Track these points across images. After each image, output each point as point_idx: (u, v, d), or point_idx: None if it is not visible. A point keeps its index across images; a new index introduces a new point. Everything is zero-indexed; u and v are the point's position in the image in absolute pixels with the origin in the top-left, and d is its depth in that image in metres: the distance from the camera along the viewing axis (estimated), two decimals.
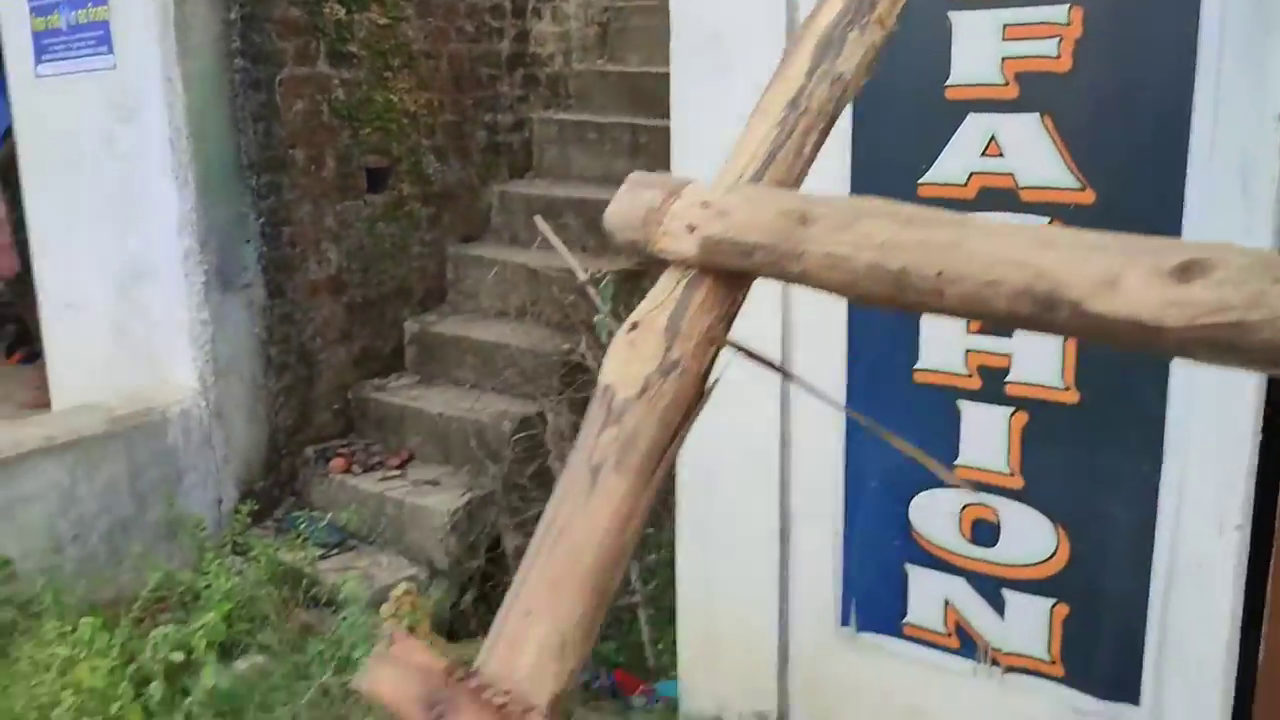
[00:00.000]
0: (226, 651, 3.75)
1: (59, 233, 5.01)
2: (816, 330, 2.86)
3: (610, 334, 4.21)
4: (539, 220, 5.54)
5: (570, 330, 5.20)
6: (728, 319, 1.18)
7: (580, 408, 4.88)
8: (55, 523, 4.08)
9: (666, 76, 6.07)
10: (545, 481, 4.74)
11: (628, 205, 1.22)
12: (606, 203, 5.08)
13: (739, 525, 3.11)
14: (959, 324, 2.64)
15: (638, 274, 5.37)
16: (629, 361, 1.15)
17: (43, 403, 5.64)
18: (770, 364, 1.29)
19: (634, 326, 1.17)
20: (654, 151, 5.74)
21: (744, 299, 1.19)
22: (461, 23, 5.58)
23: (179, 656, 3.33)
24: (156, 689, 3.22)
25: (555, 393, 4.90)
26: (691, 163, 2.99)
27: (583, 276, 4.98)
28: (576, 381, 4.93)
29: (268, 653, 3.92)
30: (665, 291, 1.17)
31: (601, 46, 6.49)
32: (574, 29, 6.28)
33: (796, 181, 1.22)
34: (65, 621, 3.65)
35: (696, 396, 1.16)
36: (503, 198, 5.83)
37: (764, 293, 2.84)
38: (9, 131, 5.31)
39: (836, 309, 2.80)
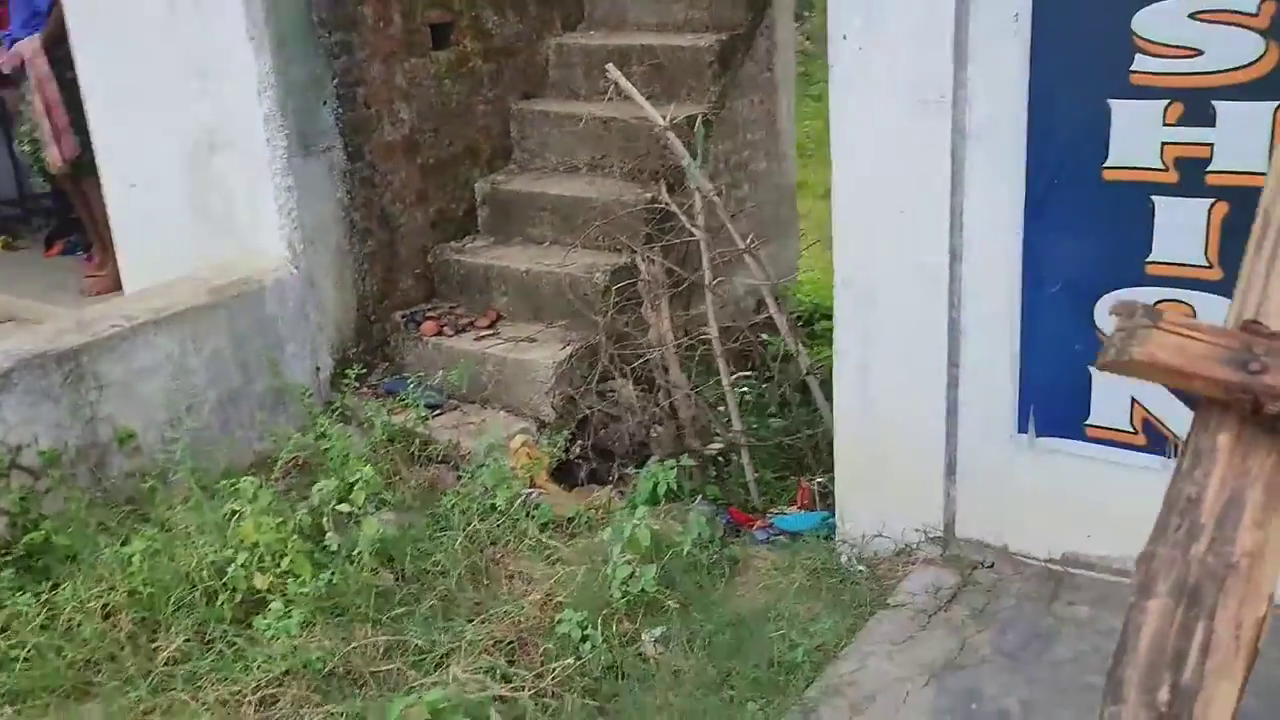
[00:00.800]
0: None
1: (121, 108, 4.84)
2: (992, 136, 2.82)
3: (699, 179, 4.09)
4: (611, 69, 5.42)
5: (647, 180, 5.13)
6: None
7: (673, 255, 4.86)
8: (171, 395, 4.04)
9: None
10: (646, 330, 4.73)
11: None
12: (671, 48, 5.14)
13: (903, 342, 3.12)
14: (1154, 117, 2.61)
15: (708, 119, 5.28)
16: None
17: (105, 289, 5.55)
18: None
19: None
20: None
21: None
22: None
23: (345, 508, 3.35)
24: (333, 539, 3.24)
25: (644, 242, 4.86)
26: None
27: (661, 124, 4.89)
28: (667, 230, 4.89)
29: (400, 508, 3.96)
30: None
31: None
32: None
33: None
34: (208, 487, 3.67)
35: None
36: (560, 50, 5.67)
37: (935, 94, 2.78)
38: (55, 3, 5.08)
39: (1016, 109, 2.76)
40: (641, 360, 4.63)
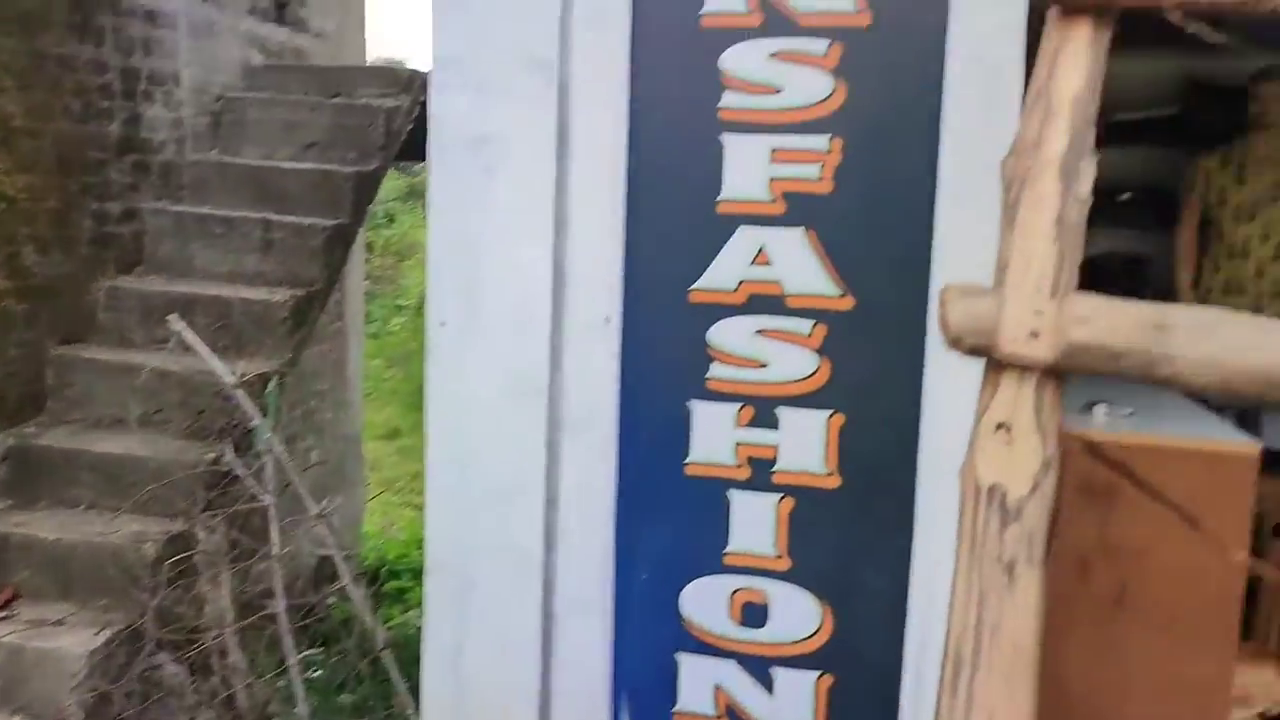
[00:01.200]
0: None
1: None
2: (586, 429, 2.91)
3: (269, 440, 3.91)
4: (174, 319, 5.10)
5: (208, 439, 4.78)
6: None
7: (240, 523, 4.48)
8: None
9: (294, 171, 5.89)
10: (202, 607, 4.26)
11: (964, 312, 1.24)
12: (243, 301, 5.24)
13: (497, 628, 3.03)
14: (728, 418, 2.83)
15: (283, 380, 5.08)
16: (1010, 461, 1.19)
17: None
18: None
19: (1000, 427, 1.19)
20: (289, 248, 5.51)
21: None
22: (68, 100, 5.00)
23: None
24: None
25: (203, 508, 4.45)
26: (451, 260, 2.95)
27: (230, 381, 4.62)
28: (230, 494, 4.52)
29: None
30: (1012, 392, 1.20)
31: (214, 137, 6.11)
32: (187, 116, 5.86)
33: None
34: None
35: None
36: (112, 294, 5.25)
37: (531, 384, 2.85)
38: None
39: (608, 404, 2.89)
40: (196, 645, 4.14)
